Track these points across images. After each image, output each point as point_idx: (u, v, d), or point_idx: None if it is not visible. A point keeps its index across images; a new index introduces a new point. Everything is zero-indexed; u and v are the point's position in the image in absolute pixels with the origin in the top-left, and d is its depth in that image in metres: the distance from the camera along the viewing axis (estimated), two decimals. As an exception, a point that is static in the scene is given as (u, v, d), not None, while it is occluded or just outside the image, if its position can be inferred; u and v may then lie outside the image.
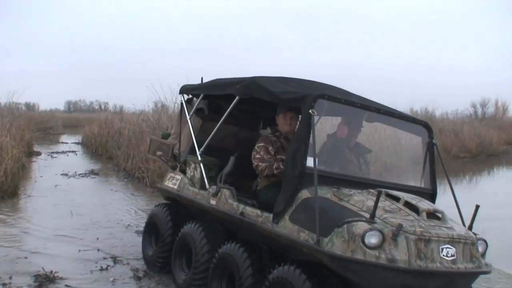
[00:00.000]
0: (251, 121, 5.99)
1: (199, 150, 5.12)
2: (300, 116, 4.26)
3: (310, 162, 3.75)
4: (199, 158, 5.08)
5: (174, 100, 14.14)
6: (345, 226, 3.35)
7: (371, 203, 3.51)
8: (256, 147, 4.51)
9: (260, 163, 4.38)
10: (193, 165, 5.24)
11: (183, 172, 5.47)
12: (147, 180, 11.80)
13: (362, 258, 3.21)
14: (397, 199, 3.67)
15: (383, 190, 3.72)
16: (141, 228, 6.41)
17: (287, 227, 3.77)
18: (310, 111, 3.79)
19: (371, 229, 3.25)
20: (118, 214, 8.57)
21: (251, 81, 4.54)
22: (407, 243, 3.23)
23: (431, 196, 4.40)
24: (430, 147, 4.51)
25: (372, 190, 3.77)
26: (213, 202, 4.70)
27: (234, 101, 4.68)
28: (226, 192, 4.59)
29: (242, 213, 4.28)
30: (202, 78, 5.68)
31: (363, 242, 3.23)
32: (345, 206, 3.57)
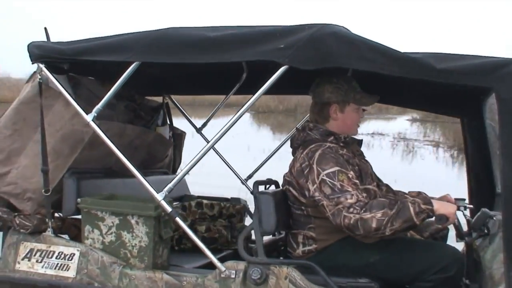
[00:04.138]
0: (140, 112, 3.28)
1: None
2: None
3: None
4: (169, 208, 2.37)
5: None
6: None
7: None
8: (323, 176, 2.25)
9: (367, 214, 2.15)
10: (112, 220, 2.49)
11: (73, 237, 2.71)
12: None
13: None
14: None
15: None
16: None
17: None
18: None
19: None
20: None
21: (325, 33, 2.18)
22: None
23: None
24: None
25: None
26: None
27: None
28: (295, 274, 2.28)
29: None
30: (46, 28, 2.82)
31: None
32: None
